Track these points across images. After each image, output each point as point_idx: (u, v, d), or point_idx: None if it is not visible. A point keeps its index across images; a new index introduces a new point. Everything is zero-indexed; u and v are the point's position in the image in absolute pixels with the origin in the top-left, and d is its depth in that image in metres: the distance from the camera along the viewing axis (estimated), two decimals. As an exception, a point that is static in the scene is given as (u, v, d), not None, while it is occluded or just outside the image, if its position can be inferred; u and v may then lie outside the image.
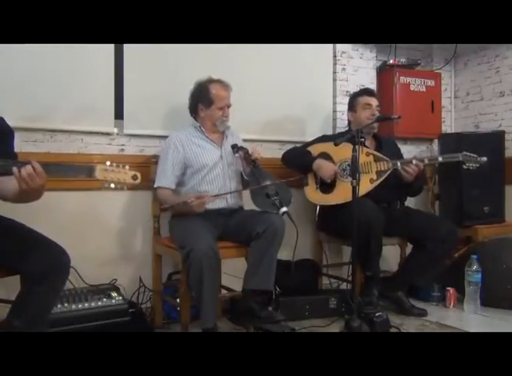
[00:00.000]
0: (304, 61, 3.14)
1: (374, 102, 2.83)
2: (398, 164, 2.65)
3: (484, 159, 2.67)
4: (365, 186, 2.60)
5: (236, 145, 2.52)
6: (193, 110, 2.57)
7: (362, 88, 3.09)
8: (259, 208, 2.38)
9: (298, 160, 2.80)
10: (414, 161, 2.62)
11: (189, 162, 2.48)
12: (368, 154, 2.69)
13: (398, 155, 2.93)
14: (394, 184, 2.72)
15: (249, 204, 2.49)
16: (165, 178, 2.45)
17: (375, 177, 2.65)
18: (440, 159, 2.70)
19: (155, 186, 2.48)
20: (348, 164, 2.59)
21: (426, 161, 2.69)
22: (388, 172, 2.65)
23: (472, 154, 2.67)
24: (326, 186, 2.71)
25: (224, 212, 2.48)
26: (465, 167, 2.67)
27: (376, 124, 2.79)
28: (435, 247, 2.62)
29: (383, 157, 2.68)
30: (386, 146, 2.88)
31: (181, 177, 2.50)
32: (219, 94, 2.49)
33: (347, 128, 2.99)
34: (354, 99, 2.89)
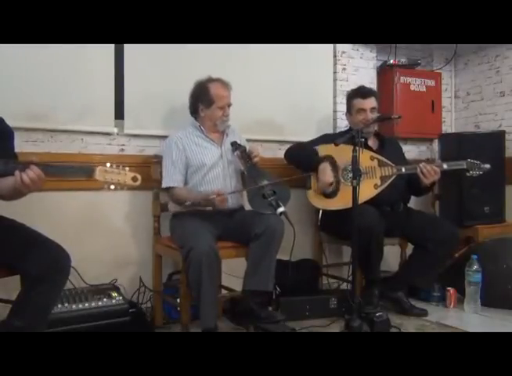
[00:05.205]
0: (304, 61, 3.14)
1: (368, 104, 2.75)
2: (403, 169, 2.64)
3: (488, 166, 2.66)
4: (370, 192, 2.60)
5: (235, 142, 2.51)
6: (194, 110, 2.57)
7: (358, 86, 2.96)
8: (256, 210, 2.36)
9: (304, 159, 2.74)
10: (435, 166, 2.61)
11: (189, 161, 2.48)
12: (372, 159, 2.67)
13: (400, 156, 2.93)
14: (399, 186, 2.72)
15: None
16: (173, 178, 2.44)
17: (379, 182, 2.63)
18: (445, 166, 2.66)
19: (163, 186, 2.47)
20: None
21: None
22: (392, 178, 2.64)
23: (476, 161, 2.66)
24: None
25: (224, 212, 2.48)
26: (468, 174, 2.67)
27: (375, 123, 2.78)
28: (436, 249, 2.61)
29: (387, 162, 2.66)
30: (389, 146, 2.87)
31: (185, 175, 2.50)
32: (219, 93, 2.49)
33: (347, 127, 2.97)
34: (349, 101, 2.85)
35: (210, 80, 2.52)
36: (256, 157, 2.45)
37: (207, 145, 2.53)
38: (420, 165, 2.61)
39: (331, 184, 2.63)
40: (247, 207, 2.54)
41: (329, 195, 2.66)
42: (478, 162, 2.66)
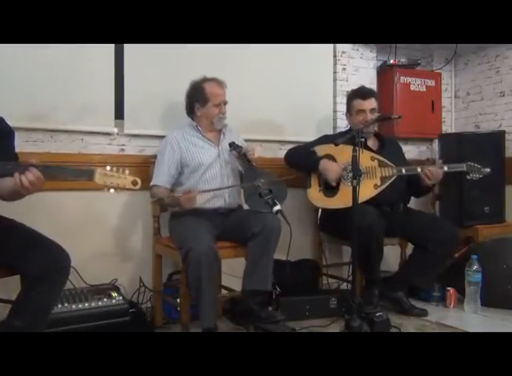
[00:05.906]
0: (304, 61, 3.14)
1: (368, 105, 2.74)
2: (403, 170, 2.65)
3: (488, 170, 2.68)
4: (370, 192, 2.60)
5: (233, 143, 2.51)
6: (190, 110, 2.57)
7: (359, 86, 2.97)
8: (252, 209, 2.37)
9: (303, 160, 2.75)
10: (437, 167, 2.63)
11: (185, 161, 2.48)
12: (373, 159, 2.67)
13: (400, 156, 2.93)
14: (399, 186, 2.72)
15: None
16: (160, 177, 2.45)
17: (379, 183, 2.64)
18: (445, 168, 2.67)
19: (150, 184, 2.48)
20: None
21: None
22: (393, 179, 2.64)
23: (476, 165, 2.67)
24: (330, 190, 2.69)
25: (222, 211, 2.49)
26: (468, 177, 2.69)
27: (375, 123, 2.78)
28: (436, 249, 2.61)
29: (387, 163, 2.67)
30: (389, 146, 2.87)
31: (178, 177, 2.50)
32: (214, 91, 2.50)
33: (348, 127, 2.97)
34: (349, 101, 2.84)
35: (205, 79, 2.53)
36: (251, 152, 2.45)
37: (204, 145, 2.53)
38: (425, 170, 2.62)
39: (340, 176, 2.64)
40: (246, 207, 2.54)
41: (329, 193, 2.66)
42: (479, 166, 2.67)
